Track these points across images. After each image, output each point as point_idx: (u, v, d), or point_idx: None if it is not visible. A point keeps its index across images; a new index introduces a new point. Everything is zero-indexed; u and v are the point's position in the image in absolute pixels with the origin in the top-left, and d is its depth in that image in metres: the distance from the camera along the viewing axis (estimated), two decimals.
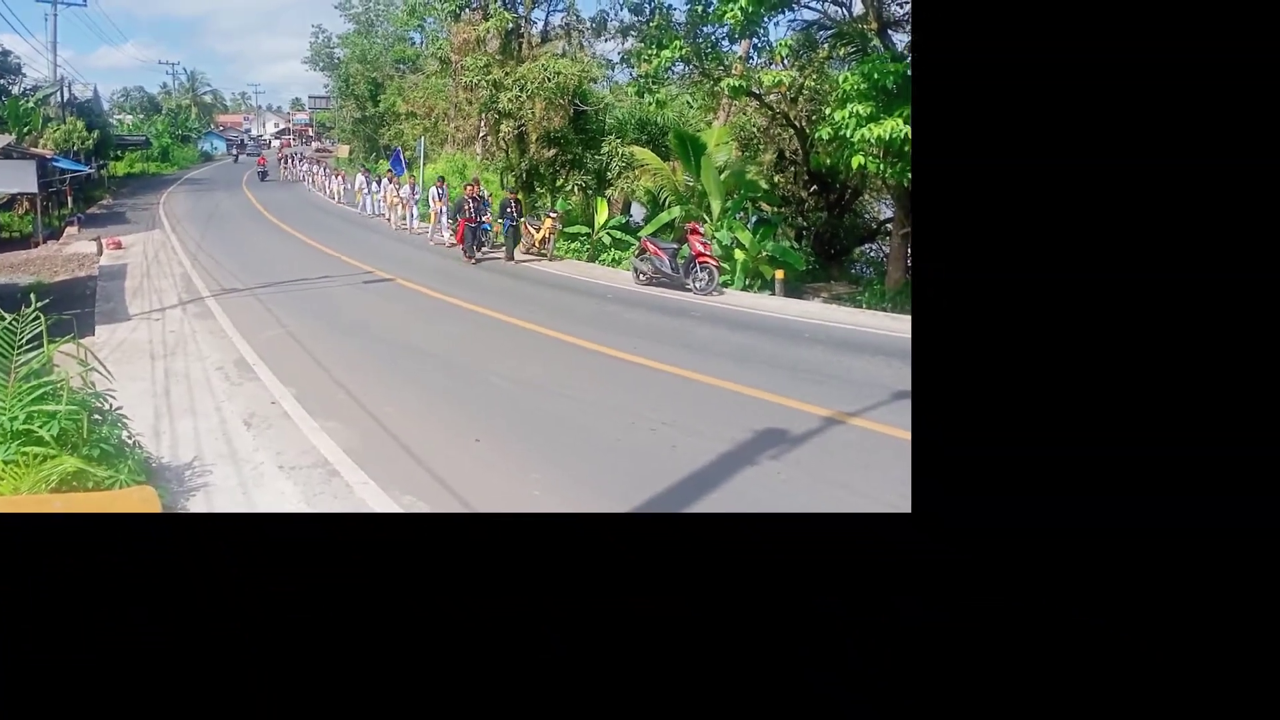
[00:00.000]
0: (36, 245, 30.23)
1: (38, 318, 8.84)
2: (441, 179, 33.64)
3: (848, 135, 19.97)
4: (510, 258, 26.58)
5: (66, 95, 52.94)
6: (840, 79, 21.34)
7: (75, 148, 46.22)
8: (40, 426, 7.60)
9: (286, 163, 74.44)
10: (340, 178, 53.52)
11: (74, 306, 16.09)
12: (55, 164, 38.13)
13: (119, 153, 69.74)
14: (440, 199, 31.51)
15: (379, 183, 41.18)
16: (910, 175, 20.36)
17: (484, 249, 27.13)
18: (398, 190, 37.09)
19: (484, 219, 27.05)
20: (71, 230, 33.59)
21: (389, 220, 37.52)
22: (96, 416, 8.31)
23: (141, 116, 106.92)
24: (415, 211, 35.52)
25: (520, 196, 29.74)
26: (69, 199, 41.49)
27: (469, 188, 27.63)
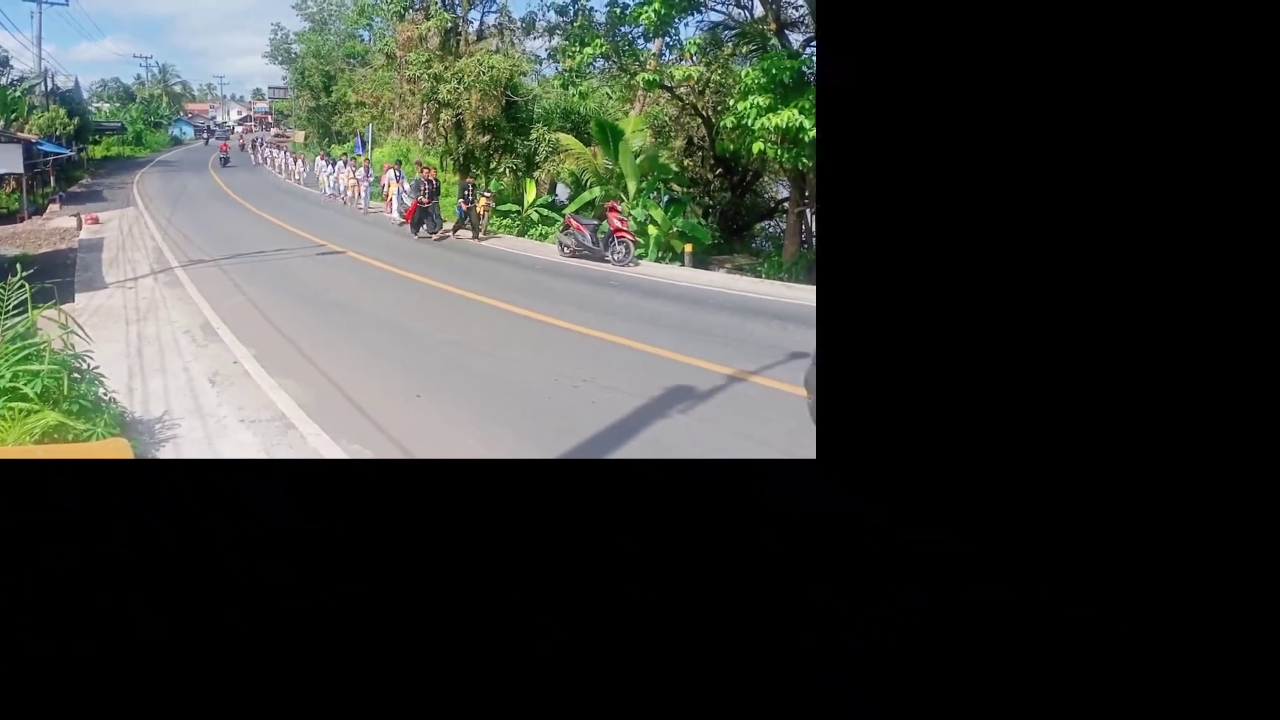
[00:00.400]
0: (22, 220, 29.63)
1: (23, 286, 8.77)
2: (399, 161, 33.26)
3: (749, 124, 20.14)
4: (454, 233, 26.37)
5: (50, 85, 51.52)
6: (742, 74, 21.51)
7: (58, 132, 45.25)
8: (25, 384, 7.53)
9: (253, 146, 73.00)
10: (300, 161, 52.78)
11: (56, 276, 15.69)
12: (39, 147, 37.40)
13: (97, 137, 68.03)
14: (399, 180, 31.02)
15: (333, 165, 40.61)
16: (804, 160, 20.57)
17: (426, 225, 26.78)
18: (353, 173, 36.55)
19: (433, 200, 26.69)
20: (54, 207, 32.85)
21: (344, 200, 36.94)
22: (76, 375, 8.22)
23: (117, 105, 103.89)
24: (368, 192, 35.12)
25: (476, 181, 29.54)
26: (51, 179, 40.39)
27: (425, 170, 27.25)
